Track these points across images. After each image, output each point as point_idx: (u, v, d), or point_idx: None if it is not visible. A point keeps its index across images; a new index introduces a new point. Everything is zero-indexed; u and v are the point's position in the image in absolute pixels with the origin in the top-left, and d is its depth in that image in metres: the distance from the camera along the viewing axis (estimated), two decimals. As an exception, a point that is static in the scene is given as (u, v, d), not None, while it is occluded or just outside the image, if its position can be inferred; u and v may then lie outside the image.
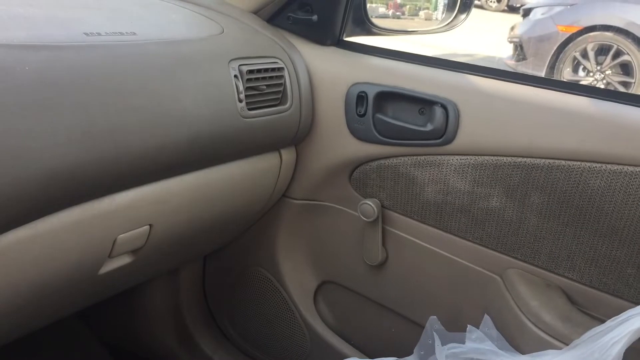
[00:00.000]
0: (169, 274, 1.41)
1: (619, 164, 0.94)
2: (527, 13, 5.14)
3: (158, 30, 1.02)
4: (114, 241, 0.93)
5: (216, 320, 1.52)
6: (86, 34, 0.87)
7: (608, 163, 0.94)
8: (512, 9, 7.70)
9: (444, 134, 1.08)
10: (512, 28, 5.15)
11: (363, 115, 1.15)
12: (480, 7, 8.08)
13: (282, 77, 1.13)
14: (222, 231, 1.30)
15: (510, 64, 4.90)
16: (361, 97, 1.15)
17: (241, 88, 1.04)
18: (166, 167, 0.95)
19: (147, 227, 0.98)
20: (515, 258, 1.07)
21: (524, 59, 4.94)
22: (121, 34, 0.92)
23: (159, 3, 1.16)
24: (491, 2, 8.15)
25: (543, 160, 1.00)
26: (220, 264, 1.46)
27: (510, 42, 5.13)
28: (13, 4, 0.89)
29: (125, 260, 1.01)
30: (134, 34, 0.94)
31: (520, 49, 4.99)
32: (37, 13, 0.89)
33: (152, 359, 1.52)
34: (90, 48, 0.85)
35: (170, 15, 1.12)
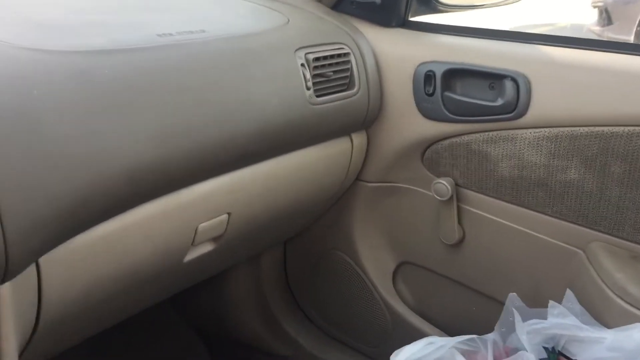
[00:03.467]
0: (251, 260, 1.46)
1: None
2: (611, -26, 4.86)
3: (226, 26, 1.05)
4: (196, 230, 0.98)
5: (298, 303, 1.56)
6: (159, 35, 0.92)
7: None
8: (594, -28, 7.28)
9: (515, 108, 1.05)
10: (596, -8, 4.88)
11: (432, 95, 1.14)
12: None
13: (348, 62, 1.14)
14: (298, 217, 1.33)
15: (596, 30, 4.64)
16: (429, 76, 1.14)
17: (308, 76, 1.06)
18: (239, 157, 0.98)
19: (225, 215, 1.02)
20: (598, 230, 1.04)
21: (610, 23, 4.67)
22: (191, 32, 0.96)
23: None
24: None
25: (622, 127, 0.96)
26: (299, 249, 1.50)
27: (595, 6, 4.86)
28: (87, 12, 0.95)
29: (207, 247, 1.06)
30: (203, 31, 0.98)
31: (605, 13, 4.72)
32: (111, 19, 0.94)
33: (239, 342, 1.58)
34: (163, 48, 0.89)
35: (236, 10, 1.16)
